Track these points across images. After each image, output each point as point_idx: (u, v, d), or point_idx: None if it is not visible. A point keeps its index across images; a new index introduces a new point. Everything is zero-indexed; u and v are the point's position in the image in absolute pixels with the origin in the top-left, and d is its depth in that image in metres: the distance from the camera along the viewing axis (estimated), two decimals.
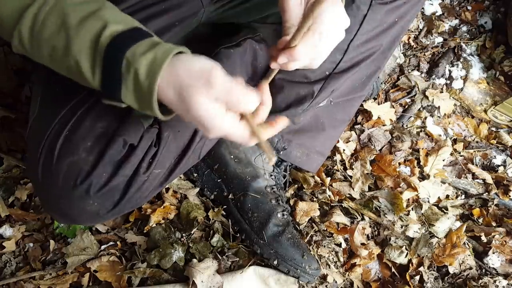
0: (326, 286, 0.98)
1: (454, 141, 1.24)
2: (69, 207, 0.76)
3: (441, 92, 1.31)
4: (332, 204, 1.09)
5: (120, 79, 0.53)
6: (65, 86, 0.78)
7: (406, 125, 1.26)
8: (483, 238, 1.07)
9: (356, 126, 1.23)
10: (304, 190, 1.10)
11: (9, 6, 0.54)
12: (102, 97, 0.56)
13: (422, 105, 1.29)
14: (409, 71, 1.35)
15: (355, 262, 1.01)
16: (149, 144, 0.78)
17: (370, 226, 1.08)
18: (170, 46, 0.53)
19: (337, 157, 1.16)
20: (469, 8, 1.47)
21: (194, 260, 0.95)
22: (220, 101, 0.53)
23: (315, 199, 1.09)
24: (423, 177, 1.16)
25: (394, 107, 1.27)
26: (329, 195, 1.09)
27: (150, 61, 0.51)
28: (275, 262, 0.93)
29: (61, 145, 0.73)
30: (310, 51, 0.63)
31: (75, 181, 0.73)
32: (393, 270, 1.03)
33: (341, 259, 1.03)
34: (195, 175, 1.03)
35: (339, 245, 1.04)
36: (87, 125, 0.74)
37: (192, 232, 0.99)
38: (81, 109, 0.74)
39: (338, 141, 1.15)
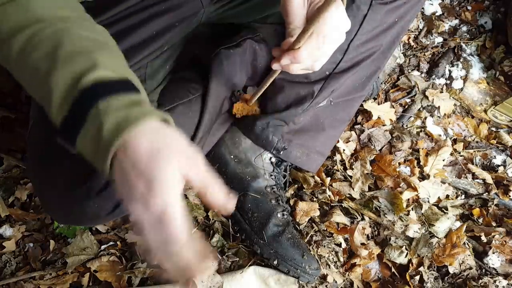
0: (326, 286, 0.98)
1: (454, 141, 1.24)
2: (69, 209, 0.76)
3: (441, 92, 1.31)
4: (332, 204, 1.09)
5: (82, 124, 0.47)
6: None
7: (406, 125, 1.26)
8: (483, 238, 1.07)
9: (356, 126, 1.23)
10: (304, 190, 1.10)
11: (10, 21, 0.52)
12: (56, 135, 0.51)
13: (422, 105, 1.29)
14: (409, 71, 1.35)
15: (355, 262, 1.01)
16: None
17: (370, 226, 1.08)
18: (149, 110, 0.47)
19: (337, 157, 1.16)
20: (469, 8, 1.47)
21: None
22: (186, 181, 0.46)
23: (315, 199, 1.09)
24: (423, 177, 1.16)
25: (394, 107, 1.27)
26: (329, 195, 1.09)
27: (120, 119, 0.46)
28: (275, 262, 0.93)
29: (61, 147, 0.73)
30: (313, 54, 0.63)
31: (75, 183, 0.73)
32: (393, 270, 1.03)
33: (341, 259, 1.03)
34: None
35: (339, 245, 1.04)
36: None
37: (192, 232, 0.99)
38: None
39: (338, 141, 1.15)
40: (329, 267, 1.01)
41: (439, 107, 1.28)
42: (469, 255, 1.05)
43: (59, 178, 0.73)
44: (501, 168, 1.20)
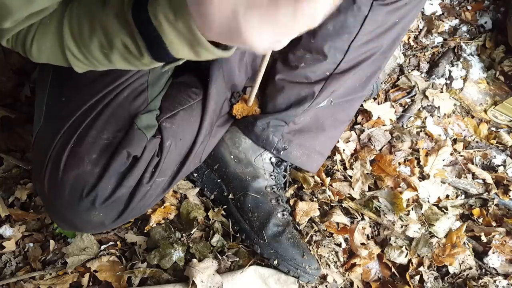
0: (326, 286, 0.98)
1: (454, 141, 1.24)
2: (75, 217, 0.77)
3: (441, 92, 1.31)
4: (332, 204, 1.09)
5: (159, 36, 0.48)
6: (69, 97, 0.79)
7: (406, 125, 1.26)
8: (483, 238, 1.07)
9: (356, 126, 1.23)
10: (304, 190, 1.10)
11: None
12: (162, 65, 0.53)
13: (422, 105, 1.29)
14: (409, 71, 1.35)
15: (355, 262, 1.01)
16: (151, 154, 0.79)
17: (370, 226, 1.08)
18: None
19: (337, 157, 1.16)
20: (469, 8, 1.47)
21: (194, 260, 0.95)
22: None
23: (315, 199, 1.09)
24: (423, 177, 1.16)
25: (394, 107, 1.27)
26: (329, 195, 1.09)
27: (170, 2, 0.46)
28: (275, 262, 0.93)
29: (67, 158, 0.73)
30: None
31: (81, 193, 0.74)
32: (393, 270, 1.03)
33: (341, 259, 1.03)
34: (195, 175, 1.03)
35: (339, 245, 1.04)
36: (92, 137, 0.74)
37: (192, 232, 0.99)
38: (85, 121, 0.75)
39: (338, 141, 1.15)
40: (329, 267, 1.01)
41: (439, 107, 1.28)
42: (469, 255, 1.05)
43: (65, 188, 0.73)
44: (501, 168, 1.20)
